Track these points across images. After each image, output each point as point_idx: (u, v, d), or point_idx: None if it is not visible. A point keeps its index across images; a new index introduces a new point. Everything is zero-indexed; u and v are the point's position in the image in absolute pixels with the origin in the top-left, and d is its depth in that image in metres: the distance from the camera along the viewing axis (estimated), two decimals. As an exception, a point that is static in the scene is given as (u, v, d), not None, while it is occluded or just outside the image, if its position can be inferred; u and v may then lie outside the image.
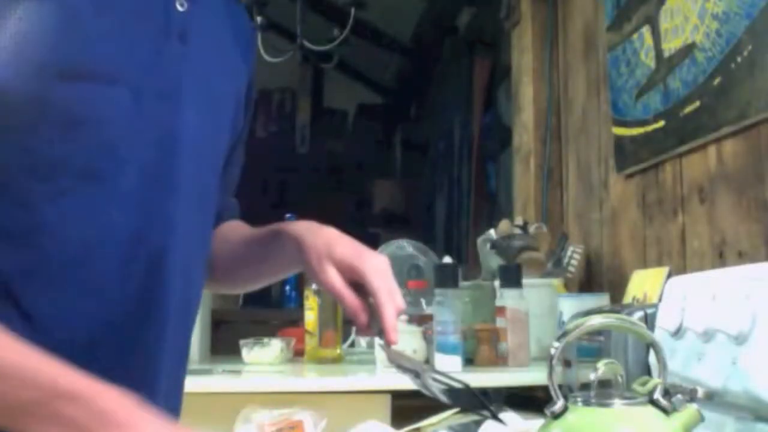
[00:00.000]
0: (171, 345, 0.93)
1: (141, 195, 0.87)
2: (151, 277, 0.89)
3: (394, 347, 1.09)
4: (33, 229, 0.82)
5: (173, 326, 0.92)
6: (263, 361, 2.39)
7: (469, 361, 2.12)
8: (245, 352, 2.41)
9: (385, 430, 1.51)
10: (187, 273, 0.95)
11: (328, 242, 1.09)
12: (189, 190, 0.94)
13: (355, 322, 1.09)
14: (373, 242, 3.57)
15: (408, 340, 2.10)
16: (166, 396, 0.94)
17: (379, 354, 2.12)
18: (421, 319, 2.22)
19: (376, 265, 1.07)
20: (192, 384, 2.00)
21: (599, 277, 2.48)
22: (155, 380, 0.92)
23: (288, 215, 3.54)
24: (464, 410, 1.50)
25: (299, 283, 3.37)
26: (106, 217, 0.85)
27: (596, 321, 1.10)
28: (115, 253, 0.86)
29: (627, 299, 2.04)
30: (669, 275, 1.86)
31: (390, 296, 1.06)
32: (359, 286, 1.07)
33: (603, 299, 2.19)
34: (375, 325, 1.08)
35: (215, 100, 1.02)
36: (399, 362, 1.14)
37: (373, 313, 1.07)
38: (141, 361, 0.89)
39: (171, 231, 0.91)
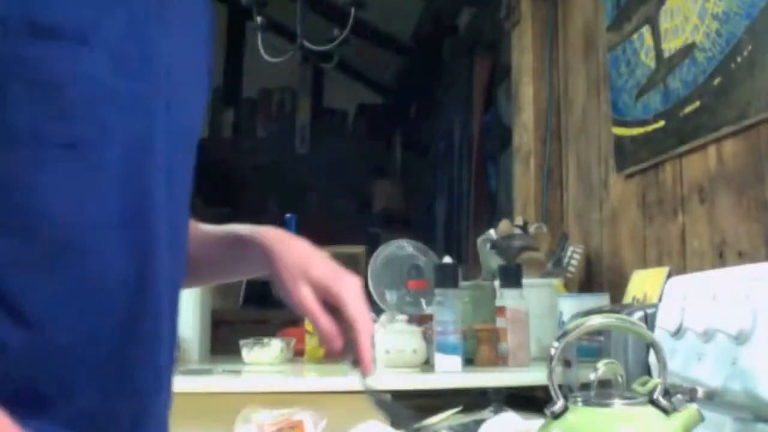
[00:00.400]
0: (166, 336, 0.88)
1: (127, 168, 0.80)
2: (144, 262, 0.82)
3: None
4: (13, 211, 0.74)
5: (166, 314, 0.87)
6: (263, 361, 2.40)
7: (469, 361, 2.12)
8: (245, 352, 2.41)
9: (385, 430, 1.51)
10: (173, 256, 0.90)
11: (303, 260, 1.07)
12: (174, 165, 0.88)
13: (327, 346, 1.07)
14: (373, 242, 3.57)
15: (408, 340, 2.10)
16: (167, 389, 0.91)
17: (379, 354, 2.12)
18: (421, 319, 2.22)
19: (353, 290, 1.06)
20: (192, 384, 2.01)
21: (599, 277, 2.48)
22: (158, 372, 0.87)
23: (288, 215, 3.54)
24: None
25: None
26: (91, 193, 0.78)
27: (596, 321, 1.10)
28: (106, 235, 0.79)
29: (627, 299, 2.04)
30: (669, 275, 1.86)
31: (366, 325, 1.05)
32: (330, 307, 1.05)
33: (603, 299, 2.19)
34: (350, 354, 1.07)
35: (193, 64, 0.96)
36: (374, 394, 1.14)
37: (348, 339, 1.06)
38: (142, 354, 0.84)
39: (158, 209, 0.84)
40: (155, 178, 0.83)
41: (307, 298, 1.04)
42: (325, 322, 1.05)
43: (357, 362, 1.07)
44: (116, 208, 0.80)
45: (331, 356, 1.08)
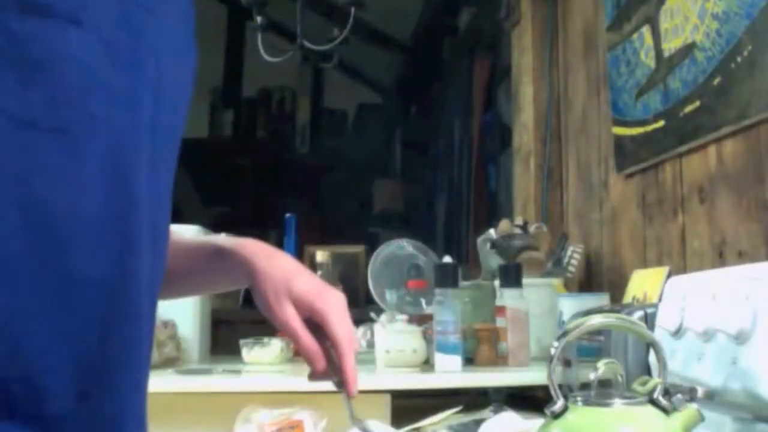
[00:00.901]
0: (146, 337, 0.84)
1: (111, 162, 0.77)
2: (125, 260, 0.78)
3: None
4: None
5: (146, 316, 0.84)
6: (263, 361, 2.39)
7: (469, 361, 2.13)
8: (245, 352, 2.41)
9: (385, 429, 1.52)
10: (155, 257, 0.85)
11: (286, 275, 1.05)
12: (158, 163, 0.85)
13: (310, 365, 1.05)
14: (373, 242, 3.58)
15: (408, 340, 2.10)
16: (144, 391, 0.88)
17: (379, 354, 2.12)
18: (421, 319, 2.22)
19: (337, 308, 1.05)
20: (192, 384, 2.01)
21: (599, 277, 2.48)
22: (138, 374, 0.83)
23: (288, 215, 3.55)
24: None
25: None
26: (76, 185, 0.74)
27: (596, 321, 1.11)
28: (88, 231, 0.75)
29: (627, 299, 2.04)
30: (669, 275, 1.86)
31: (350, 344, 1.03)
32: (313, 325, 1.04)
33: (603, 299, 2.19)
34: (334, 374, 1.05)
35: (180, 60, 0.92)
36: (359, 422, 1.13)
37: (332, 359, 1.05)
38: (121, 356, 0.79)
39: (141, 207, 0.80)
40: (139, 174, 0.80)
41: (290, 316, 1.03)
42: (308, 341, 1.03)
43: (341, 383, 1.05)
44: (99, 203, 0.76)
45: (315, 377, 1.07)
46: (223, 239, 1.13)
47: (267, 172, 6.31)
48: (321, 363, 1.04)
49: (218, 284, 1.22)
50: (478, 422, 1.50)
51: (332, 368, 1.05)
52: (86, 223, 0.75)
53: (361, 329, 2.59)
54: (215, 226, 2.78)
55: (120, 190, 0.78)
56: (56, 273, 0.73)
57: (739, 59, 1.65)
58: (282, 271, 1.05)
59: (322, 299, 1.04)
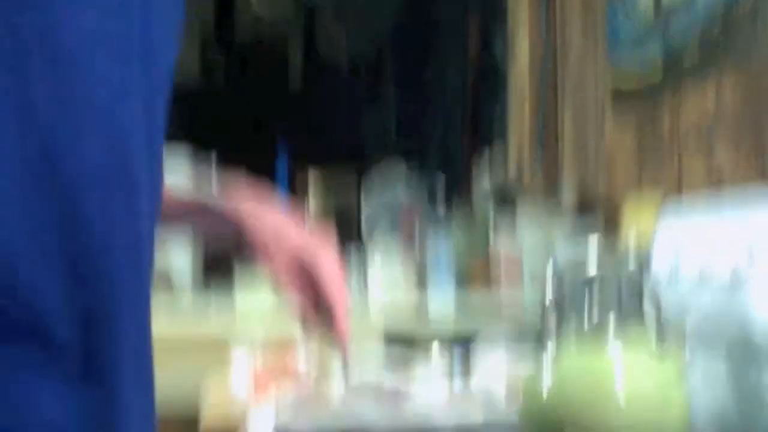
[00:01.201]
0: (146, 283, 0.82)
1: (107, 111, 0.74)
2: (127, 214, 0.77)
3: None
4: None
5: (147, 261, 0.82)
6: (257, 301, 2.40)
7: (461, 299, 2.14)
8: (239, 294, 2.41)
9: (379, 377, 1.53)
10: (152, 206, 0.83)
11: (276, 230, 1.04)
12: (153, 110, 0.82)
13: (301, 318, 1.06)
14: (367, 181, 3.54)
15: (401, 279, 2.12)
16: (147, 335, 0.88)
17: (372, 294, 2.13)
18: (414, 256, 2.23)
19: (330, 262, 1.05)
20: (185, 324, 2.02)
21: (594, 221, 2.49)
22: (140, 317, 0.82)
23: (280, 138, 3.57)
24: None
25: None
26: (79, 133, 0.73)
27: (590, 266, 1.11)
28: (91, 182, 0.74)
29: (621, 243, 2.05)
30: (664, 221, 1.87)
31: (342, 302, 1.04)
32: (307, 277, 1.05)
33: (597, 239, 2.19)
34: (325, 328, 1.06)
35: (170, 24, 0.87)
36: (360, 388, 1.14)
37: (323, 311, 1.05)
38: (122, 297, 0.78)
39: (139, 159, 0.78)
40: (134, 124, 0.78)
41: (280, 272, 1.04)
42: (298, 296, 1.04)
43: (333, 338, 1.06)
44: (99, 155, 0.74)
45: (306, 329, 1.08)
46: (215, 195, 1.10)
47: (259, 116, 6.30)
48: (311, 315, 1.05)
49: (207, 239, 1.22)
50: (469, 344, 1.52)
51: (324, 323, 1.06)
52: (88, 176, 0.73)
53: (354, 265, 2.59)
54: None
55: (118, 142, 0.75)
56: (55, 206, 0.72)
57: (739, 8, 1.65)
58: (271, 225, 1.05)
59: (314, 254, 1.04)
